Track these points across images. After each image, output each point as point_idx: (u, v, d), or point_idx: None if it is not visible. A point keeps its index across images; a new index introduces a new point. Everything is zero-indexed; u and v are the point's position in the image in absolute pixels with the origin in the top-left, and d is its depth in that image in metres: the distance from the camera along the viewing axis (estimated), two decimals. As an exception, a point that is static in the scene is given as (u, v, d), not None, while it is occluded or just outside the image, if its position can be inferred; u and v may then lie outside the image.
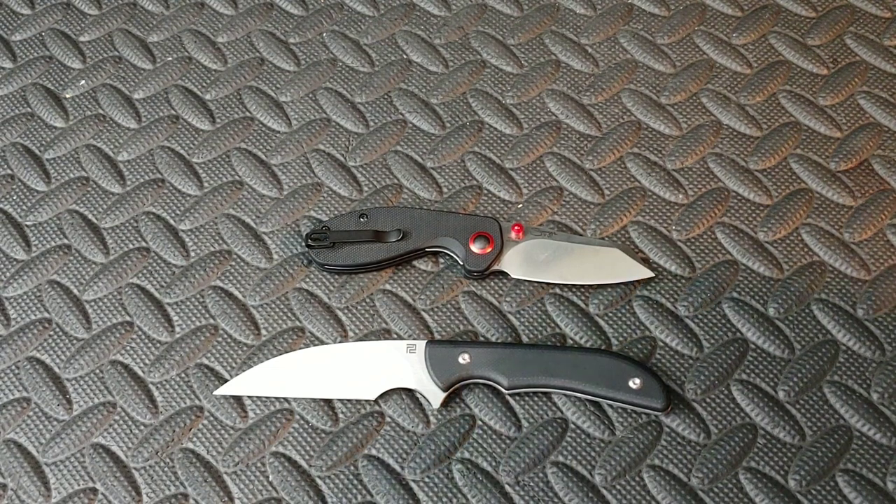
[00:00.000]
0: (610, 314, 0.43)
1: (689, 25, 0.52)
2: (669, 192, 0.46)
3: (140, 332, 0.43)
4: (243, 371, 0.42)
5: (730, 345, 0.42)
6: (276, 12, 0.54)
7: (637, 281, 0.43)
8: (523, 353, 0.40)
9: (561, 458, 0.39)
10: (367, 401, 0.41)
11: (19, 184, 0.48)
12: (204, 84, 0.51)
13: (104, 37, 0.53)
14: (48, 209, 0.47)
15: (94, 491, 0.40)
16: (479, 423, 0.40)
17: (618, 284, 0.43)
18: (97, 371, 0.42)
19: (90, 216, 0.47)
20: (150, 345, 0.43)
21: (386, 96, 0.50)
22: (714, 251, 0.44)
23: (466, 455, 0.40)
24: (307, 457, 0.40)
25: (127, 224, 0.46)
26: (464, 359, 0.40)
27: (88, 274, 0.45)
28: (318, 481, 0.39)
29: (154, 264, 0.45)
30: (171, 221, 0.46)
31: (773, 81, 0.50)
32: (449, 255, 0.44)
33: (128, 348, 0.43)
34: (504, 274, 0.44)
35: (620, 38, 0.51)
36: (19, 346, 0.43)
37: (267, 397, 0.41)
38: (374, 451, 0.40)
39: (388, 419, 0.41)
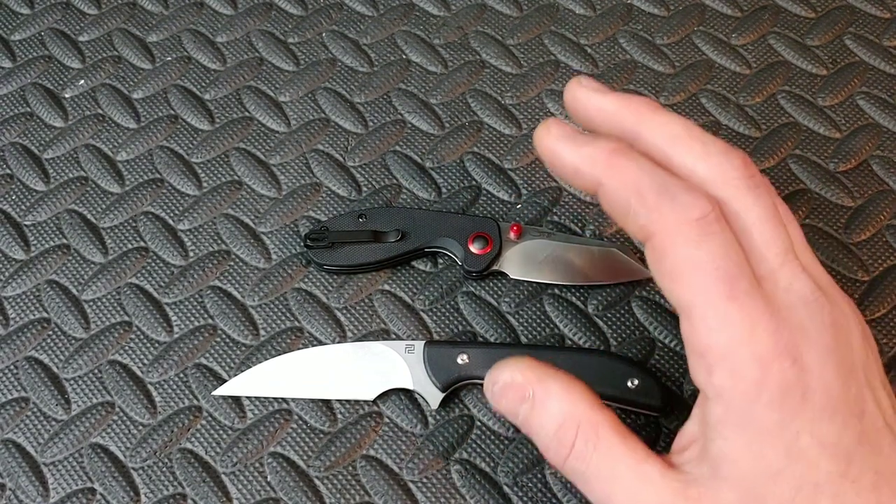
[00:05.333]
0: (608, 314, 0.43)
1: (689, 26, 0.52)
2: (668, 193, 0.46)
3: (139, 332, 0.43)
4: (242, 371, 0.42)
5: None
6: (276, 12, 0.54)
7: (636, 281, 0.43)
8: (522, 354, 0.40)
9: (559, 459, 0.39)
10: (365, 401, 0.41)
11: (18, 183, 0.48)
12: (203, 84, 0.51)
13: (103, 36, 0.53)
14: (47, 209, 0.47)
15: (93, 491, 0.40)
16: (478, 423, 0.40)
17: (616, 285, 0.43)
18: (96, 371, 0.42)
19: (89, 216, 0.47)
20: (148, 345, 0.43)
21: (385, 96, 0.50)
22: (713, 252, 0.44)
23: (465, 456, 0.40)
24: (305, 457, 0.40)
25: (126, 224, 0.46)
26: (462, 359, 0.40)
27: (87, 274, 0.45)
28: (317, 481, 0.39)
29: (153, 264, 0.45)
30: (170, 221, 0.46)
31: (772, 82, 0.49)
32: (448, 255, 0.44)
33: (126, 348, 0.43)
34: (503, 274, 0.44)
35: (620, 39, 0.51)
36: (18, 345, 0.43)
37: (265, 398, 0.41)
38: (372, 452, 0.40)
39: (386, 420, 0.41)
